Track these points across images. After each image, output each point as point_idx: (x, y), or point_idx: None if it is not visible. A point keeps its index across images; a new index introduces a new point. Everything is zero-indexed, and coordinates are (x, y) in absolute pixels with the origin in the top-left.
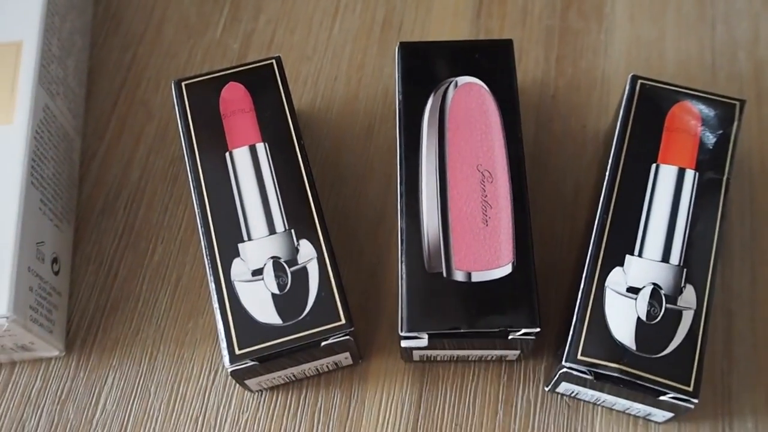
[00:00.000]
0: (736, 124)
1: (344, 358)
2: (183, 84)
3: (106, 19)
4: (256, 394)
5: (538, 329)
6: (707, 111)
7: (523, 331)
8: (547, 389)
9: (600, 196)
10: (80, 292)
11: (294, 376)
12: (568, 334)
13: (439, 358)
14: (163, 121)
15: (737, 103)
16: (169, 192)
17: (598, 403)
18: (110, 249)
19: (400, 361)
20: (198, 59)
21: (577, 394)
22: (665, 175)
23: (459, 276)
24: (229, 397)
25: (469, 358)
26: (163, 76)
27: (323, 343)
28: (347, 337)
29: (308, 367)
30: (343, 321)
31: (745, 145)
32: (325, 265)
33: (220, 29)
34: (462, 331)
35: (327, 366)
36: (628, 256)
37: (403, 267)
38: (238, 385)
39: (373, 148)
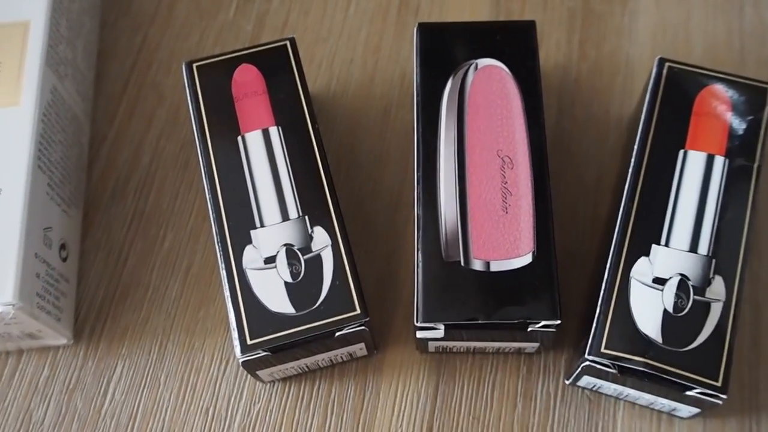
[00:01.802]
0: (767, 109)
1: (359, 349)
2: (194, 66)
3: (115, 0)
4: (268, 385)
5: (558, 321)
6: (737, 95)
7: (543, 323)
8: (567, 382)
9: (625, 183)
10: (89, 279)
11: (307, 367)
12: (590, 326)
13: (455, 350)
14: (174, 105)
15: None
16: (180, 177)
17: (620, 397)
18: (120, 235)
19: (415, 353)
20: (210, 41)
21: (599, 387)
22: (693, 162)
23: (477, 265)
24: (241, 388)
25: (487, 350)
26: (175, 58)
27: (337, 334)
28: (362, 327)
29: (322, 358)
30: (359, 311)
31: None
32: (340, 253)
33: (232, 10)
34: (480, 322)
35: (341, 357)
36: (654, 246)
37: (420, 255)
38: (249, 375)
39: (389, 133)
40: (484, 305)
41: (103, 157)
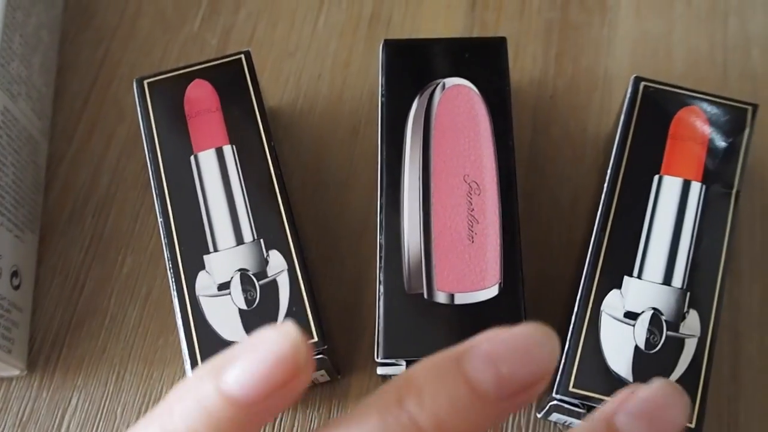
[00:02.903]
0: (747, 131)
1: (320, 375)
2: (145, 82)
3: (77, 13)
4: None
5: None
6: (716, 116)
7: None
8: (539, 416)
9: (597, 211)
10: (44, 306)
11: None
12: (560, 362)
13: None
14: (135, 122)
15: (749, 107)
16: (140, 199)
17: None
18: (77, 260)
19: (382, 382)
20: (174, 55)
21: (570, 423)
22: (669, 188)
23: (441, 298)
24: None
25: None
26: (137, 73)
27: None
28: (321, 356)
29: None
30: (316, 338)
31: (758, 152)
32: (297, 277)
33: (197, 23)
34: None
35: None
36: (626, 278)
37: (381, 287)
38: None
39: (357, 153)
40: (448, 340)
41: (60, 178)
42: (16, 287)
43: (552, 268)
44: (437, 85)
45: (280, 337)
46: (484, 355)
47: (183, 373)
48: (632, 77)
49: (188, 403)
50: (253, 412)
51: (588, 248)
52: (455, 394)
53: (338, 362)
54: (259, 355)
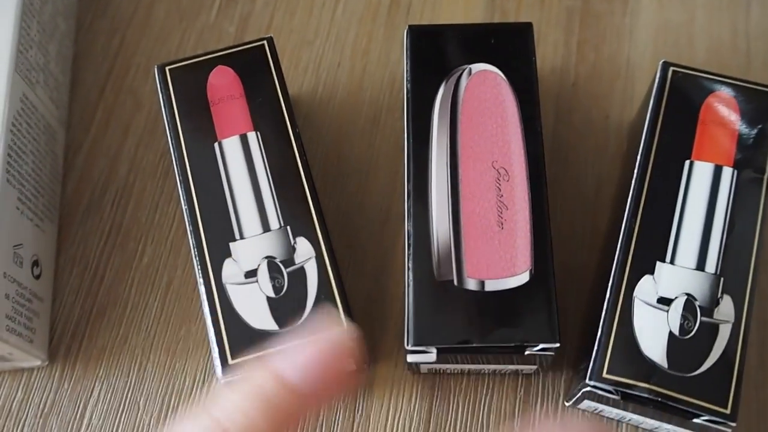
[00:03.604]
0: None
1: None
2: (167, 69)
3: (92, 1)
4: None
5: (557, 344)
6: (745, 102)
7: (542, 346)
8: (567, 404)
9: (627, 196)
10: (64, 296)
11: None
12: (591, 348)
13: (449, 371)
14: (153, 111)
15: None
16: (159, 188)
17: (623, 420)
18: (96, 250)
19: (408, 371)
20: (191, 44)
21: (600, 411)
22: (700, 173)
23: (471, 284)
24: None
25: (483, 371)
26: (154, 62)
27: None
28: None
29: None
30: (345, 326)
31: None
32: (325, 264)
33: (214, 11)
34: (474, 345)
35: None
36: (658, 263)
37: (410, 274)
38: None
39: (378, 142)
40: (479, 327)
41: (78, 168)
42: (38, 277)
43: (575, 258)
44: (463, 71)
45: (333, 329)
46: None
47: (207, 363)
48: (660, 62)
49: (243, 390)
50: (305, 400)
51: (618, 235)
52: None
53: (364, 352)
54: (315, 344)
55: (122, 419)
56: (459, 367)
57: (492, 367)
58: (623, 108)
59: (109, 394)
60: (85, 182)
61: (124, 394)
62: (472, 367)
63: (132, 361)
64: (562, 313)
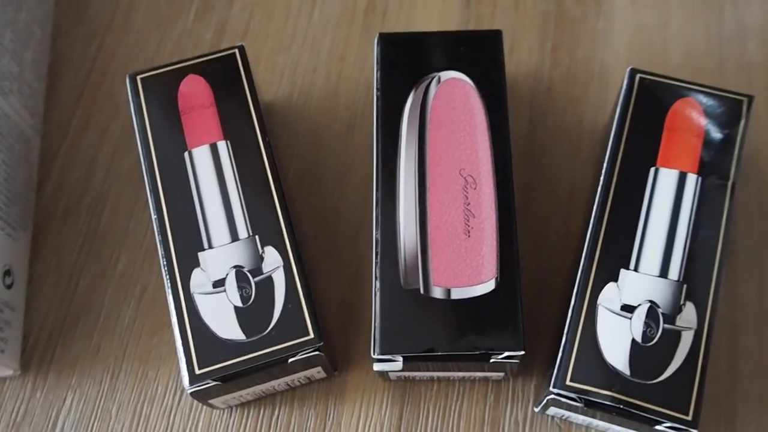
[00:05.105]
0: (743, 122)
1: (316, 372)
2: (138, 78)
3: (69, 7)
4: (225, 415)
5: (522, 352)
6: (712, 108)
7: (507, 353)
8: (536, 410)
9: (594, 203)
10: (38, 305)
11: (263, 392)
12: (557, 356)
13: (418, 378)
14: (129, 119)
15: (745, 99)
16: (135, 196)
17: (591, 426)
18: (71, 258)
19: (379, 378)
20: (168, 50)
21: (567, 417)
22: (665, 180)
23: (437, 293)
24: (196, 420)
25: (452, 378)
26: (131, 68)
27: (290, 360)
28: (317, 352)
29: (278, 383)
30: (312, 335)
31: (754, 143)
32: (292, 273)
33: (191, 17)
34: (439, 353)
35: (299, 381)
36: (623, 271)
37: (377, 283)
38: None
39: (354, 147)
40: (445, 335)
41: (54, 175)
42: (9, 286)
43: (549, 261)
44: (433, 79)
45: None
46: None
47: (179, 371)
48: (628, 69)
49: None
50: None
51: (584, 241)
52: None
53: (335, 358)
54: None
55: (94, 428)
56: (428, 374)
57: (460, 374)
58: (597, 112)
59: (82, 403)
60: (60, 190)
61: (97, 403)
62: (441, 374)
63: (105, 369)
64: (534, 318)
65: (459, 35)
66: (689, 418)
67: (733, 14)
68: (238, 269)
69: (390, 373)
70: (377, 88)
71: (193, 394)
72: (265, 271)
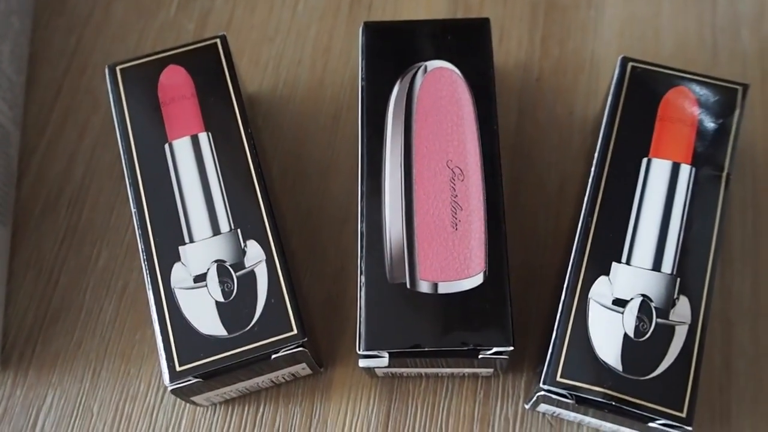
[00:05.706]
0: (737, 112)
1: (301, 368)
2: (118, 69)
3: None
4: (209, 413)
5: (511, 348)
6: (705, 97)
7: (495, 349)
8: (527, 407)
9: (585, 195)
10: (17, 301)
11: (247, 389)
12: (547, 351)
13: (406, 374)
14: (110, 112)
15: (739, 88)
16: (116, 190)
17: (582, 423)
18: (51, 253)
19: (365, 374)
20: (149, 41)
21: (559, 414)
22: (658, 171)
23: (424, 287)
24: (179, 418)
25: (440, 374)
26: (111, 60)
27: (273, 357)
28: (300, 348)
29: (262, 380)
30: (296, 331)
31: (748, 134)
32: (275, 268)
33: (174, 8)
34: (426, 349)
35: (283, 377)
36: (614, 264)
37: (363, 277)
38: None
39: (339, 140)
40: (431, 331)
41: (33, 169)
42: None
43: (539, 256)
44: (419, 68)
45: None
46: None
47: (160, 369)
48: (619, 58)
49: None
50: None
51: (575, 233)
52: None
53: (320, 355)
54: None
55: (75, 426)
56: (416, 371)
57: (449, 370)
58: (587, 103)
59: (62, 401)
60: (40, 184)
61: (78, 401)
62: (429, 370)
63: (86, 366)
64: (523, 312)
65: (446, 23)
66: (683, 414)
67: (726, 2)
68: (220, 263)
69: (376, 370)
70: (362, 78)
71: (174, 392)
72: (247, 265)
